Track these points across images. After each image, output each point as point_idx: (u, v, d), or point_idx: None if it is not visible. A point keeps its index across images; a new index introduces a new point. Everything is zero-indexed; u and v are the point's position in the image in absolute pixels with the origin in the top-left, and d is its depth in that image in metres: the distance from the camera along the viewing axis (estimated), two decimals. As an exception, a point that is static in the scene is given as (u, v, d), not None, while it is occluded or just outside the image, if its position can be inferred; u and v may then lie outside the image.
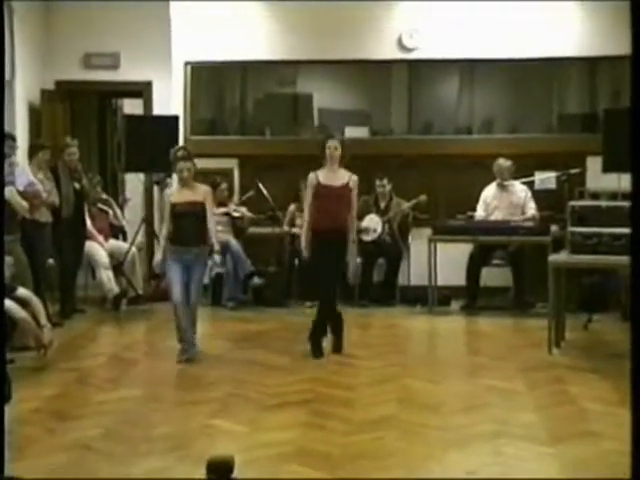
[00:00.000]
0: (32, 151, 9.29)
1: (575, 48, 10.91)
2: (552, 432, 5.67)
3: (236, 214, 10.70)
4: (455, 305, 10.27)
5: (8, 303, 6.78)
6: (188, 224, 7.68)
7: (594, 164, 10.00)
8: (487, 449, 5.35)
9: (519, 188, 10.30)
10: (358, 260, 8.73)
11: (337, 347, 7.96)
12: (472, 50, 11.00)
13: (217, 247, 7.88)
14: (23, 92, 10.46)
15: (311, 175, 7.96)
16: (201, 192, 7.81)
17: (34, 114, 10.88)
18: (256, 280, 10.49)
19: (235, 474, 3.66)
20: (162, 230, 7.88)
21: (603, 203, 8.70)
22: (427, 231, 10.06)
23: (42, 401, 6.37)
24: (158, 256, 7.91)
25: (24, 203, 8.50)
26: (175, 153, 7.97)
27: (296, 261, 10.54)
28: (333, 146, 7.88)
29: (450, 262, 10.16)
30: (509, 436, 5.57)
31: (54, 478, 4.78)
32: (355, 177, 7.93)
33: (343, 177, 7.93)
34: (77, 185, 9.65)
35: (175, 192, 7.94)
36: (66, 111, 11.51)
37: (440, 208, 10.85)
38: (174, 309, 7.75)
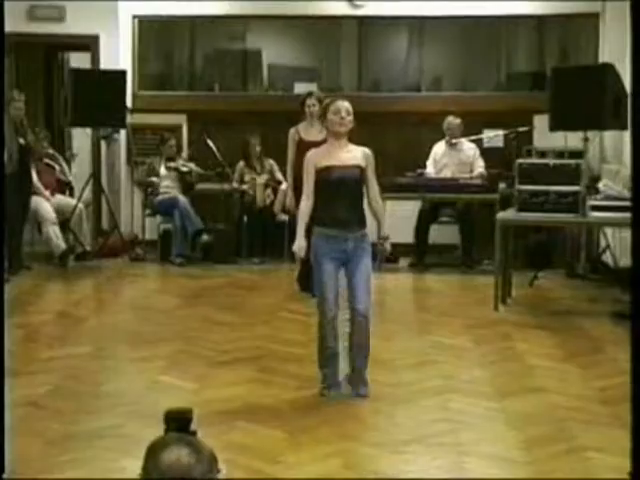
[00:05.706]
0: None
1: (524, 6, 10.91)
2: (498, 387, 5.76)
3: (184, 169, 10.63)
4: (403, 262, 10.31)
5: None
6: (343, 198, 5.47)
7: (541, 122, 10.02)
8: (435, 404, 5.42)
9: (468, 146, 10.34)
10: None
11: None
12: (421, 7, 10.95)
13: (386, 232, 5.87)
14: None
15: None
16: (359, 153, 5.60)
17: (-23, 67, 10.67)
18: (205, 237, 10.43)
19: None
20: (301, 204, 5.58)
21: (550, 161, 8.77)
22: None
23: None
24: (300, 241, 5.51)
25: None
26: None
27: (245, 218, 10.50)
28: None
29: (398, 219, 10.14)
30: (456, 391, 5.65)
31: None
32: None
33: None
34: (22, 140, 9.51)
35: (319, 152, 5.58)
36: (11, 64, 11.28)
37: (389, 165, 10.82)
38: (322, 322, 5.57)
